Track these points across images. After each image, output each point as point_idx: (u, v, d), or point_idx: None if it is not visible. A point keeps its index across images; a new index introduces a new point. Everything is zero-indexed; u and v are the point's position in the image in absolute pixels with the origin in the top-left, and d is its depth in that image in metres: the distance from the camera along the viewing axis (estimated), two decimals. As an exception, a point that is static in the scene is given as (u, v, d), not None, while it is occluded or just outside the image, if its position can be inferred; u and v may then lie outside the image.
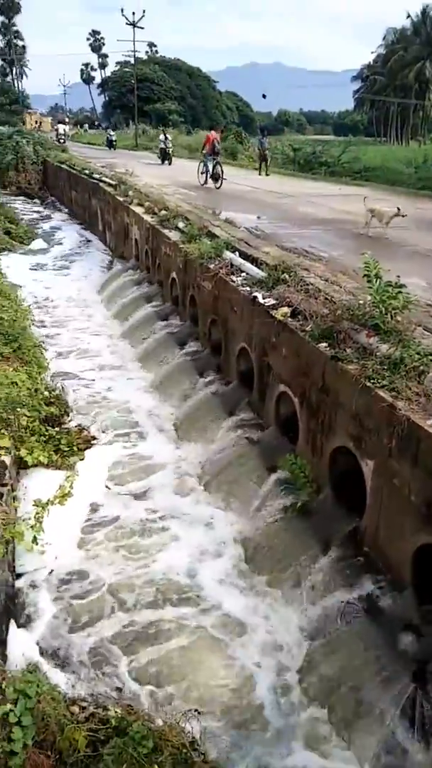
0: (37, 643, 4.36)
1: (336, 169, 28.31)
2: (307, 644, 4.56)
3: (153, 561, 5.67)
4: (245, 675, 4.41)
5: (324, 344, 5.82)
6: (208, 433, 7.73)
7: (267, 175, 23.12)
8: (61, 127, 38.72)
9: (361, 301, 6.00)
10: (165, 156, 26.70)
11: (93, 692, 4.08)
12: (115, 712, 3.77)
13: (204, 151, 17.91)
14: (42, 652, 4.35)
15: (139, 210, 14.12)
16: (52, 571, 5.35)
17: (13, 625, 4.33)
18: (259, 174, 23.60)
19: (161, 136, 27.57)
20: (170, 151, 26.77)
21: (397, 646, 4.23)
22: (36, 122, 58.07)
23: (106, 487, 6.73)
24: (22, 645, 4.20)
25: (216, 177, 17.46)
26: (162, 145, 26.91)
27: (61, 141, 35.98)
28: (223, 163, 18.62)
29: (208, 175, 17.69)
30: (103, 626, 4.86)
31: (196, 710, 3.79)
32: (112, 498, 6.60)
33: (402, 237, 10.88)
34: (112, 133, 39.82)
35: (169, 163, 26.48)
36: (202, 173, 17.98)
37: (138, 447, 7.77)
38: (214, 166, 17.50)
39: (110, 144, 37.06)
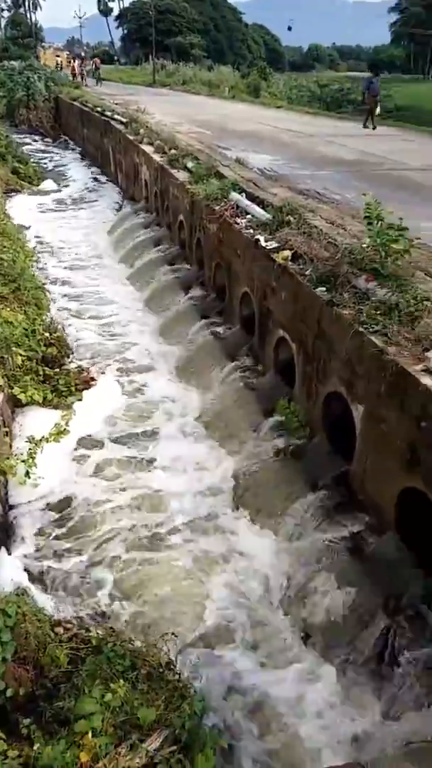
0: (26, 570, 4.56)
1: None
2: (288, 578, 4.70)
3: (141, 493, 5.88)
4: (223, 599, 4.62)
5: (322, 289, 5.72)
6: (208, 377, 7.76)
7: (374, 128, 17.98)
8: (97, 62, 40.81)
9: (363, 245, 5.84)
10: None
11: (78, 615, 4.28)
12: (97, 633, 3.97)
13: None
14: (32, 579, 4.56)
15: (148, 149, 13.72)
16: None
17: (3, 552, 4.52)
18: (364, 126, 18.38)
19: None
20: None
21: (376, 584, 4.34)
22: (57, 58, 51.99)
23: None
24: (12, 571, 4.40)
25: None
26: None
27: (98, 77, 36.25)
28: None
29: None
30: (92, 555, 5.07)
31: (173, 633, 3.97)
32: (107, 437, 6.73)
33: (427, 180, 10.45)
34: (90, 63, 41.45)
35: None
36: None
37: (138, 389, 7.84)
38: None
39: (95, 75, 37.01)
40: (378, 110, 18.53)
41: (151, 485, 5.98)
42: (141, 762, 2.81)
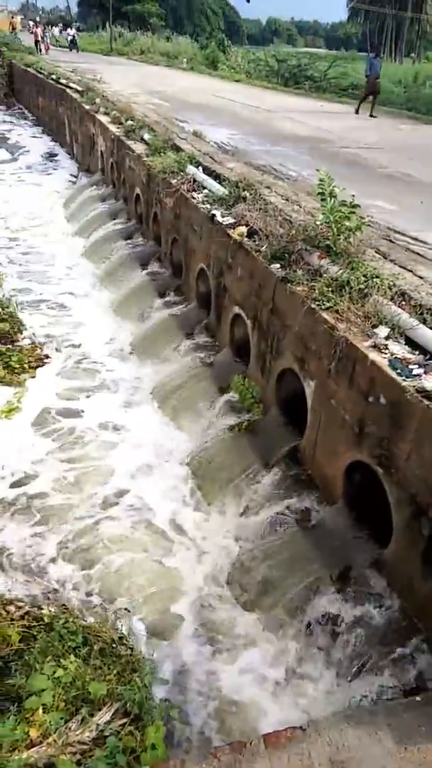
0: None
1: (322, 84, 26.92)
2: (239, 551, 4.78)
3: (96, 469, 5.86)
4: (177, 578, 4.66)
5: (277, 265, 5.73)
6: (164, 354, 7.72)
7: (372, 115, 16.50)
8: (72, 31, 39.33)
9: (317, 222, 5.85)
10: None
11: (30, 593, 4.25)
12: (49, 610, 3.96)
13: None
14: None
15: (104, 119, 13.32)
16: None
17: None
18: (357, 111, 17.05)
19: None
20: None
21: (324, 554, 4.45)
22: (12, 21, 48.28)
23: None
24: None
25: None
26: None
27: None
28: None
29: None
30: (46, 533, 5.01)
31: (126, 609, 4.00)
32: (62, 414, 6.64)
33: (378, 159, 10.58)
34: (71, 32, 39.54)
35: None
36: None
37: (93, 367, 7.73)
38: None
39: (72, 44, 37.46)
40: (378, 93, 16.87)
41: (103, 461, 5.95)
42: (91, 735, 2.84)
